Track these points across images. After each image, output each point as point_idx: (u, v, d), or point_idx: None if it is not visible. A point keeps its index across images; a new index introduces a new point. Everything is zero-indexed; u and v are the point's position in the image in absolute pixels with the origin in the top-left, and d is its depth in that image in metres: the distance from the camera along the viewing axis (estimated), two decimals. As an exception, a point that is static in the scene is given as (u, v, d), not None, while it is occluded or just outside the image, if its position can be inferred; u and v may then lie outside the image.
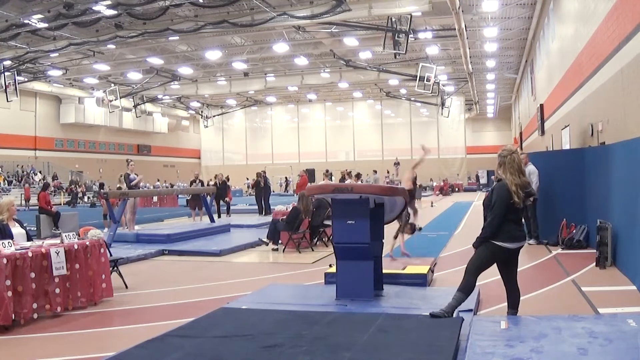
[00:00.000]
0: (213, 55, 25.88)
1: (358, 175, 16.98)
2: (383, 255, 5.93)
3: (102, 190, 15.11)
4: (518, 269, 4.52)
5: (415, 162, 8.97)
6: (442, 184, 37.36)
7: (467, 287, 4.33)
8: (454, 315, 4.37)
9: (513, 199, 4.26)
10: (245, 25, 19.27)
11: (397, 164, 35.94)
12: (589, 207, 9.14)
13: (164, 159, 45.60)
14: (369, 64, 27.90)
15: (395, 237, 8.09)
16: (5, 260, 5.06)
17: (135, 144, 42.71)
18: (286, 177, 42.36)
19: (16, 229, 6.17)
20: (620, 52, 8.46)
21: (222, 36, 23.72)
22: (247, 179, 40.93)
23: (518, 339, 3.58)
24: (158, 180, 40.30)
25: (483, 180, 41.68)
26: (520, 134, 32.53)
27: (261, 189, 17.72)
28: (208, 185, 18.62)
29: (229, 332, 4.18)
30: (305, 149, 46.98)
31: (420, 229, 10.51)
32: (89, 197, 31.41)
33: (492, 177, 30.76)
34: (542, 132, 19.76)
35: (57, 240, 6.08)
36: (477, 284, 4.54)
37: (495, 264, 4.46)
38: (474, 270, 4.34)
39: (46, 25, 18.33)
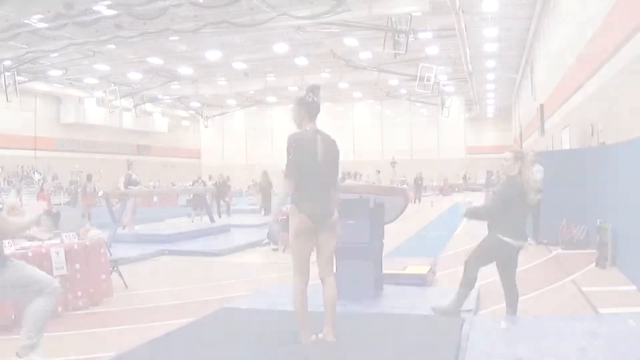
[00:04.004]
0: (213, 55, 25.86)
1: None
2: None
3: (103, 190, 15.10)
4: (518, 269, 4.51)
5: None
6: (442, 184, 37.38)
7: (469, 281, 4.30)
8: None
9: (527, 197, 4.23)
10: (245, 25, 19.24)
11: (394, 163, 35.90)
12: (589, 207, 9.12)
13: (164, 159, 45.53)
14: (369, 64, 27.88)
15: None
16: (5, 260, 5.05)
17: (135, 144, 42.65)
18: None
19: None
20: (620, 52, 8.45)
21: (222, 36, 23.68)
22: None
23: (518, 339, 3.58)
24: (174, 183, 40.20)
25: (480, 181, 41.43)
26: (520, 134, 32.50)
27: (264, 188, 17.66)
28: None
29: (229, 332, 4.17)
30: (305, 149, 46.89)
31: None
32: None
33: (493, 177, 30.65)
34: (542, 132, 19.76)
35: (57, 240, 6.08)
36: (476, 284, 4.53)
37: (494, 263, 4.44)
38: (474, 264, 4.30)
39: (46, 25, 18.29)
